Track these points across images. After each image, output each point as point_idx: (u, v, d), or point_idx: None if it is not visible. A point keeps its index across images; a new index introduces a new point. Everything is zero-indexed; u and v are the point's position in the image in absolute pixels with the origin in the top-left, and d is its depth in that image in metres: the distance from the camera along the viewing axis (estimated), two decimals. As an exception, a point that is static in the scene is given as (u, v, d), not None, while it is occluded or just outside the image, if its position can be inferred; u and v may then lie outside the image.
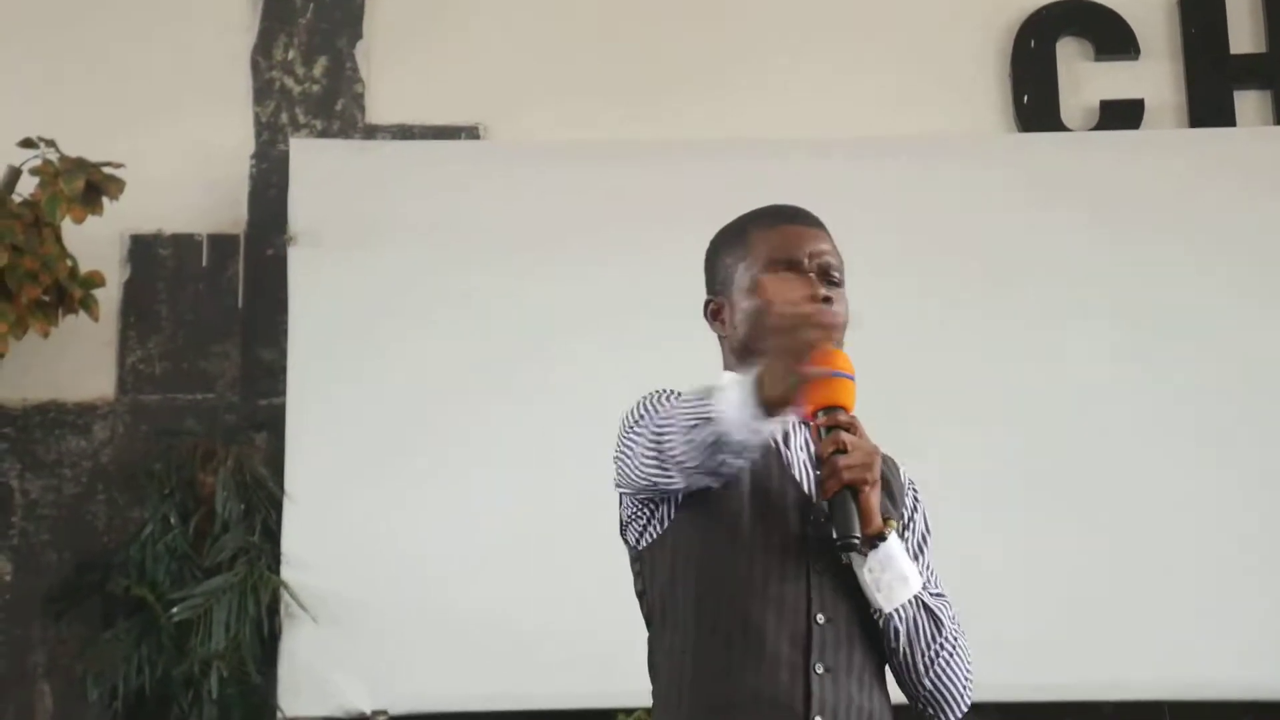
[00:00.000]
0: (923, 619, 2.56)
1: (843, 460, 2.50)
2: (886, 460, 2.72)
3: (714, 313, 2.79)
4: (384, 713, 5.11)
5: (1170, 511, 5.27)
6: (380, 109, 5.87)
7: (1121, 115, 5.87)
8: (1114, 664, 5.14)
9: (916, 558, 2.68)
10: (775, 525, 2.59)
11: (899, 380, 5.19)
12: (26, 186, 5.20)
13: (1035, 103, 5.88)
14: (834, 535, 2.49)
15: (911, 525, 2.72)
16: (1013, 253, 5.49)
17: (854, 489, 2.50)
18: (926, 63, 5.90)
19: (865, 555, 2.53)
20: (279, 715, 5.09)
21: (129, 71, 5.79)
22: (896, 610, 2.54)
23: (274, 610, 5.15)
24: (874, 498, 2.52)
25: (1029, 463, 5.31)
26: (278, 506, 5.26)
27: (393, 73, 5.88)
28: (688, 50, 5.88)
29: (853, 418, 2.56)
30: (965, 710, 2.65)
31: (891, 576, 2.53)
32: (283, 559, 5.20)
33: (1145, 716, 5.25)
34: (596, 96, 5.80)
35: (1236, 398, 5.37)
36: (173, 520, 5.25)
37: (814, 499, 2.59)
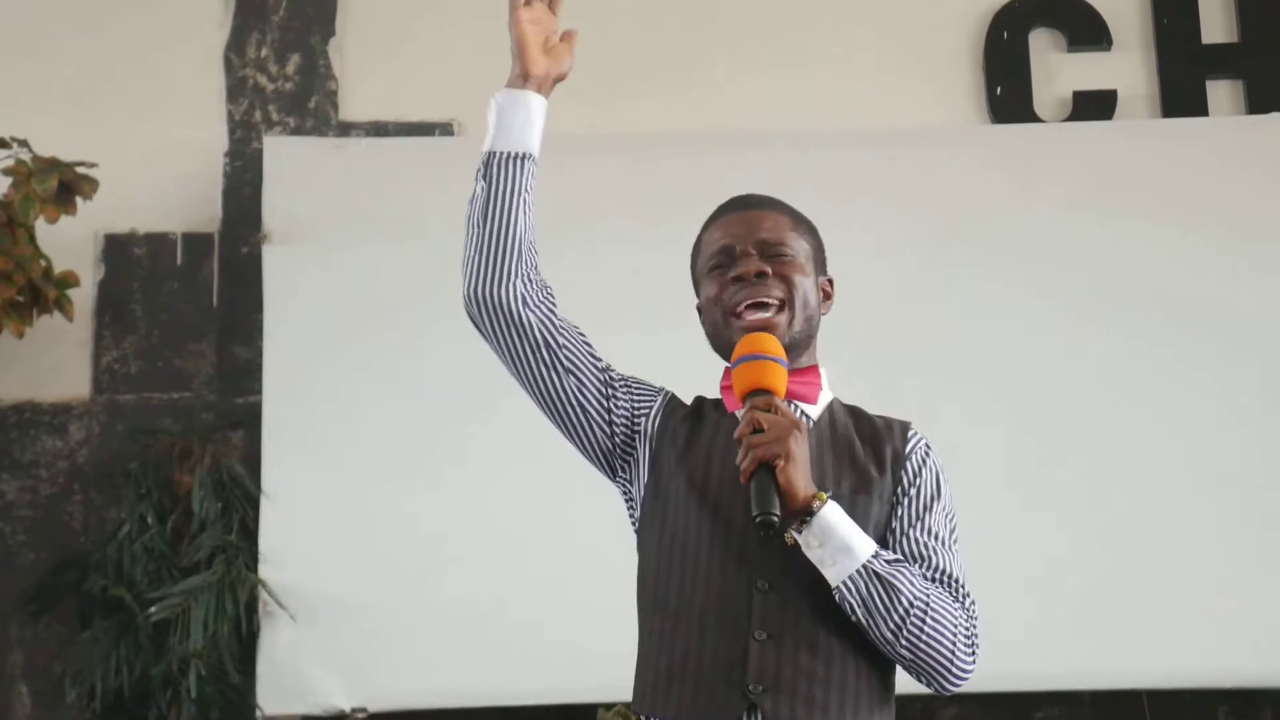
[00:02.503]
0: (875, 589, 2.51)
1: (755, 439, 2.50)
2: (889, 422, 2.78)
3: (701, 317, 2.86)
4: (363, 710, 5.11)
5: (1147, 501, 5.28)
6: (354, 106, 5.86)
7: (1094, 106, 5.88)
8: (1093, 653, 5.15)
9: (917, 521, 2.67)
10: (721, 506, 2.62)
11: (874, 370, 5.21)
12: (-1, 187, 5.20)
13: (1008, 94, 5.89)
14: (753, 514, 2.47)
15: (916, 489, 2.70)
16: (987, 244, 5.49)
17: (770, 466, 2.48)
18: (900, 55, 5.91)
19: (800, 531, 2.51)
20: (258, 714, 5.09)
21: (101, 70, 5.78)
22: (845, 583, 2.51)
23: (252, 609, 5.15)
24: (795, 472, 2.48)
25: (1008, 452, 5.31)
26: (255, 505, 5.26)
27: (366, 70, 5.88)
28: (663, 43, 5.88)
29: (770, 397, 2.57)
30: (961, 677, 2.61)
31: (833, 549, 2.50)
32: (260, 557, 5.20)
33: (1123, 705, 5.27)
34: (572, 90, 5.73)
35: (1211, 385, 5.39)
36: (150, 520, 5.24)
37: None
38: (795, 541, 2.52)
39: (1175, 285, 5.46)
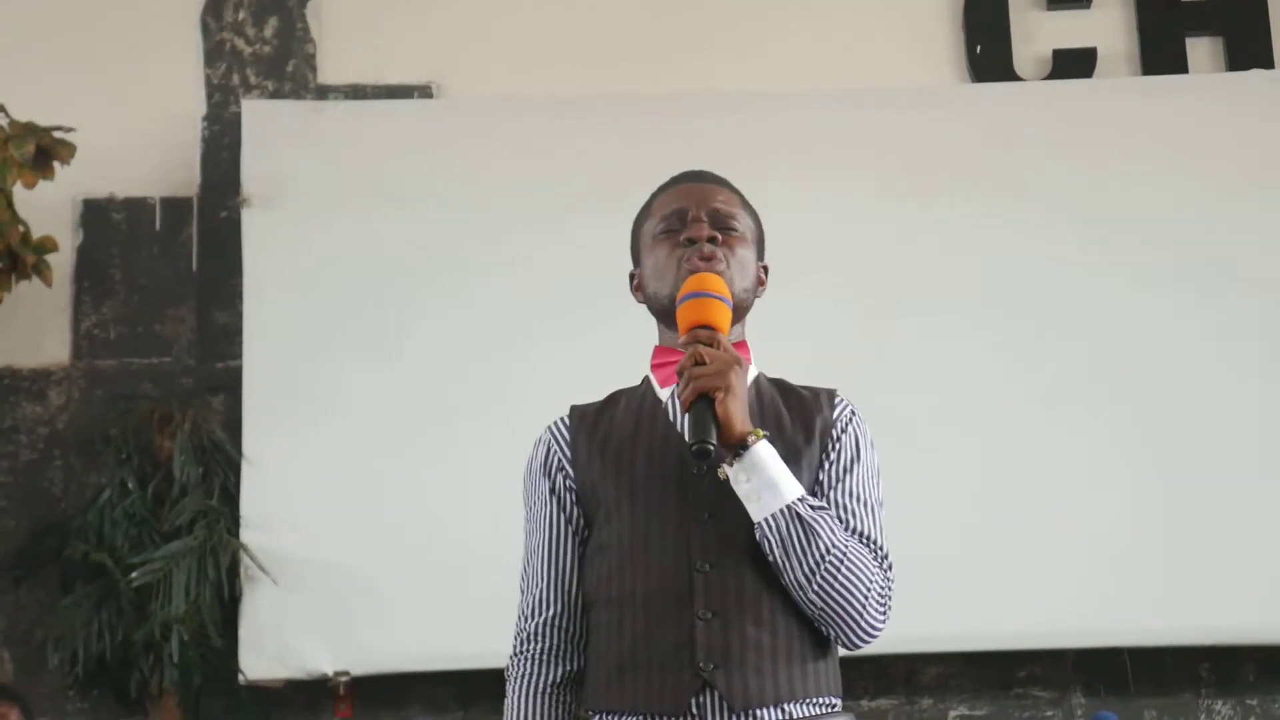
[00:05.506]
0: (795, 529, 2.54)
1: (696, 370, 2.53)
2: (816, 392, 2.78)
3: (637, 286, 2.86)
4: (345, 674, 5.11)
5: (1128, 462, 5.30)
6: (332, 69, 5.84)
7: (1074, 64, 5.88)
8: (1075, 612, 5.17)
9: (838, 482, 2.69)
10: (656, 485, 2.65)
11: (856, 325, 5.21)
12: (-24, 152, 5.17)
13: (988, 53, 5.88)
14: (689, 442, 2.51)
15: (838, 452, 2.71)
16: (968, 202, 5.50)
17: (709, 398, 2.52)
18: (879, 15, 5.90)
19: (732, 465, 2.54)
20: (240, 678, 5.09)
21: (79, 35, 5.74)
22: (766, 520, 2.54)
23: (234, 573, 5.14)
24: (733, 405, 2.52)
25: (991, 417, 5.32)
26: (236, 469, 5.25)
27: (344, 32, 5.85)
28: (641, 6, 5.86)
29: (713, 333, 2.60)
30: (869, 633, 2.62)
31: (759, 484, 2.54)
32: (242, 522, 5.20)
33: (1105, 663, 5.29)
34: (549, 53, 5.78)
35: (1199, 343, 5.40)
36: (130, 485, 5.24)
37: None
38: (726, 476, 2.55)
39: (1156, 241, 5.48)
